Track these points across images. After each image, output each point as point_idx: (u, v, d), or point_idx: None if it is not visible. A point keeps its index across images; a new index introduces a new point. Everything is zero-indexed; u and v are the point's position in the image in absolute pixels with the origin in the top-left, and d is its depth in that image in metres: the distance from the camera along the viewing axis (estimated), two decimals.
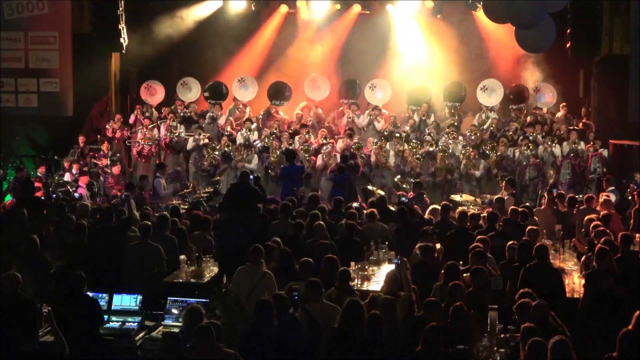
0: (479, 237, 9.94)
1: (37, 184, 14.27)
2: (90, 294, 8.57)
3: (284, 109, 18.92)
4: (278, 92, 18.89)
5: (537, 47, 15.59)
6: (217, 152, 16.47)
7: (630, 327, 6.73)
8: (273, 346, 6.90)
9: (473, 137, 16.59)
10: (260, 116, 18.27)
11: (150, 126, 17.38)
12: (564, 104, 18.21)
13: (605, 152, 16.02)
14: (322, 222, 10.49)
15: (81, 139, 17.49)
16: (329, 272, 8.60)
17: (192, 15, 19.42)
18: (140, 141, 17.11)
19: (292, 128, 17.61)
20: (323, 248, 9.47)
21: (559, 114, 17.96)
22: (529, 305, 7.37)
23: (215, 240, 10.82)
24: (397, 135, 16.78)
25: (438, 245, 10.29)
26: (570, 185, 15.61)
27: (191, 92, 19.04)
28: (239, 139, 16.94)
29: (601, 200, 12.35)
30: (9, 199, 13.78)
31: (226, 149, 16.48)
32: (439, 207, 11.91)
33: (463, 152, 16.12)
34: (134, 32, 18.36)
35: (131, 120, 18.24)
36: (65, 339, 6.87)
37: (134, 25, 18.39)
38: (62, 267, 9.60)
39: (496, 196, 13.26)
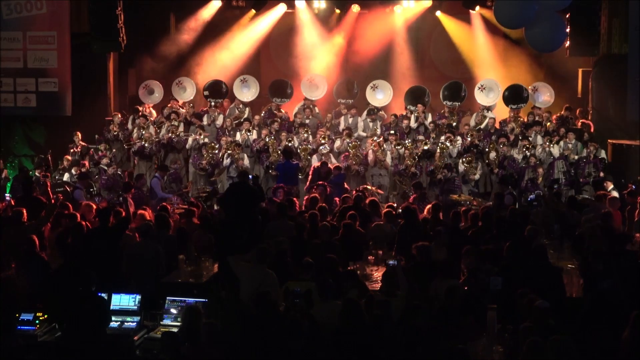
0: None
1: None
2: None
3: (285, 108, 18.91)
4: (279, 90, 18.88)
5: (548, 47, 15.59)
6: (216, 152, 16.43)
7: (628, 328, 6.73)
8: (275, 346, 6.90)
9: (469, 139, 16.47)
10: (262, 114, 18.26)
11: (145, 125, 17.34)
12: (566, 105, 18.14)
13: (603, 154, 15.95)
14: (327, 223, 10.49)
15: (80, 138, 17.45)
16: (329, 272, 8.62)
17: (190, 15, 19.42)
18: (137, 141, 17.04)
19: (294, 129, 17.55)
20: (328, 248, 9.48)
21: (561, 113, 17.91)
22: (530, 304, 7.37)
23: (214, 239, 10.80)
24: (392, 132, 16.76)
25: None
26: (568, 184, 15.49)
27: (186, 92, 19.01)
28: (238, 139, 16.92)
29: (609, 198, 12.39)
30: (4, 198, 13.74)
31: (229, 150, 16.38)
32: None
33: (462, 160, 15.85)
34: (132, 31, 18.35)
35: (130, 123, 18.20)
36: (74, 337, 6.84)
37: (132, 25, 18.38)
38: (60, 267, 9.59)
39: (495, 192, 13.19)
